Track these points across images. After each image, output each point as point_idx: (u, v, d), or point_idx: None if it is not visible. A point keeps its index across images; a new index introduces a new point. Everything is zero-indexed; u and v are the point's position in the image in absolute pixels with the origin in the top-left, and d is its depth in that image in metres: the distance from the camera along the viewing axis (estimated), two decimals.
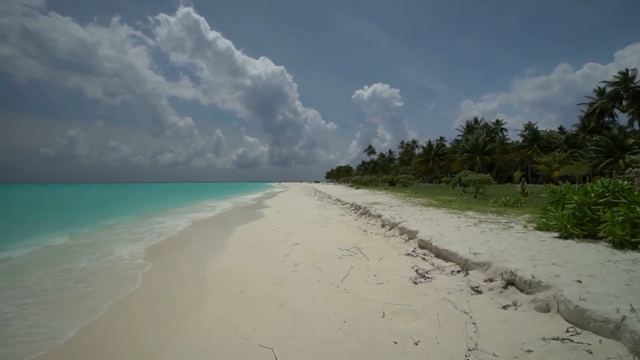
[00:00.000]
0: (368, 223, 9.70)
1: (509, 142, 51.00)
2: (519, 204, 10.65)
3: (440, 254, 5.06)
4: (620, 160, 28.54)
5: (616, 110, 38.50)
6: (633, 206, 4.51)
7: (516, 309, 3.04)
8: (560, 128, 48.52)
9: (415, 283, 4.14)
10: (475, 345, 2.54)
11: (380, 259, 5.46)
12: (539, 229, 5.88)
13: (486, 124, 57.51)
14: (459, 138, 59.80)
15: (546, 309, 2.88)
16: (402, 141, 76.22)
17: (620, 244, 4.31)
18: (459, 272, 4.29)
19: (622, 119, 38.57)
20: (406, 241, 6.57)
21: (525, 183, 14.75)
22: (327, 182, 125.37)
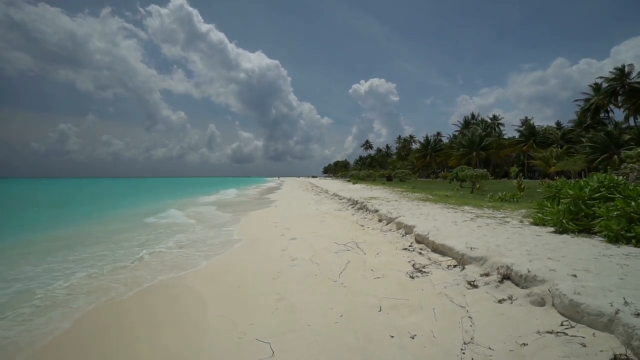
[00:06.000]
0: (365, 218, 9.73)
1: (506, 137, 51.18)
2: (515, 199, 10.72)
3: (437, 249, 5.08)
4: (616, 156, 28.76)
5: (612, 107, 38.69)
6: (628, 201, 4.54)
7: (512, 303, 3.07)
8: (557, 123, 48.71)
9: (412, 277, 4.16)
10: (471, 339, 2.56)
11: (377, 254, 5.48)
12: (535, 223, 5.92)
13: (483, 120, 57.61)
14: (456, 133, 59.91)
15: (541, 303, 2.90)
16: (400, 136, 76.21)
17: (615, 239, 4.36)
18: (455, 266, 4.32)
19: (619, 114, 38.80)
20: (403, 236, 6.60)
21: (522, 178, 14.84)
22: (325, 177, 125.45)
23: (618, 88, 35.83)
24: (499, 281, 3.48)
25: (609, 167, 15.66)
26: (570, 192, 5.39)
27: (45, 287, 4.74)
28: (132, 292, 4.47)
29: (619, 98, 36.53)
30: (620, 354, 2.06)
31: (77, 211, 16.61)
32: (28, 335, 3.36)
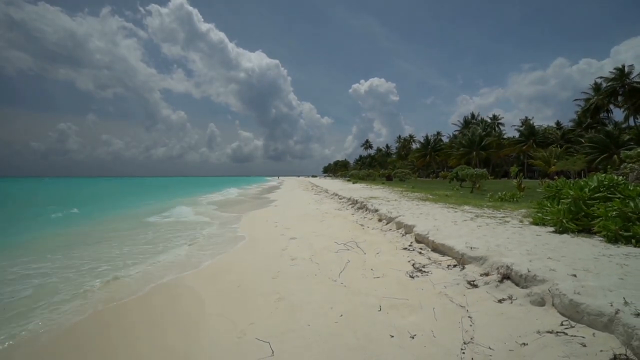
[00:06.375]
0: (365, 217, 9.73)
1: (506, 137, 51.20)
2: (515, 199, 10.72)
3: (437, 248, 5.08)
4: (615, 156, 28.78)
5: (612, 106, 38.69)
6: (627, 201, 4.54)
7: (512, 302, 3.07)
8: (557, 123, 48.72)
9: (412, 277, 4.16)
10: (471, 338, 2.56)
11: (377, 253, 5.48)
12: (535, 223, 5.92)
13: (483, 120, 57.63)
14: (456, 133, 59.94)
15: (541, 303, 2.90)
16: (400, 136, 76.25)
17: (614, 239, 4.36)
18: (455, 266, 4.32)
19: (618, 114, 38.79)
20: (403, 235, 6.60)
21: (522, 178, 14.85)
22: (325, 176, 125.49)
23: (618, 88, 35.81)
24: (499, 281, 3.48)
25: (609, 167, 15.67)
26: (571, 192, 5.39)
27: (62, 283, 4.91)
28: (141, 292, 4.48)
29: (619, 98, 36.52)
30: (620, 354, 2.06)
31: (82, 210, 16.52)
32: (60, 321, 3.64)
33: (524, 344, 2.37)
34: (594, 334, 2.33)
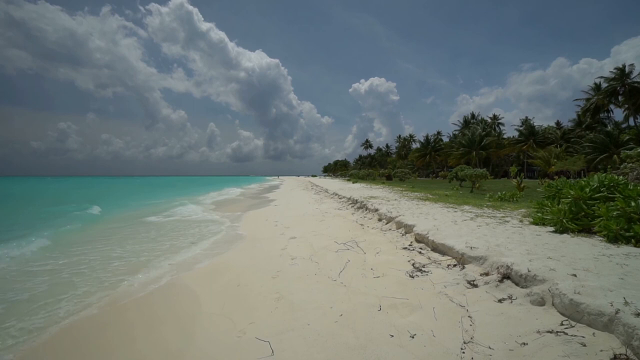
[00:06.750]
0: (365, 217, 9.72)
1: (506, 137, 51.22)
2: (515, 199, 10.73)
3: (437, 248, 5.08)
4: (615, 156, 28.77)
5: (612, 106, 38.68)
6: (628, 200, 4.54)
7: (512, 302, 3.07)
8: (557, 123, 48.74)
9: (412, 277, 4.16)
10: (471, 338, 2.56)
11: (377, 253, 5.48)
12: (535, 223, 5.92)
13: (483, 119, 57.66)
14: (456, 133, 59.96)
15: (541, 303, 2.90)
16: (399, 135, 76.27)
17: (614, 238, 4.35)
18: (455, 266, 4.32)
19: (618, 114, 38.76)
20: (403, 235, 6.59)
21: (522, 178, 14.85)
22: (324, 176, 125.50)
23: (618, 88, 35.76)
24: (499, 280, 3.48)
25: (609, 167, 15.68)
26: (571, 192, 5.38)
27: (77, 278, 5.13)
28: (142, 292, 4.49)
29: (619, 98, 36.48)
30: (620, 354, 2.06)
31: (104, 208, 16.45)
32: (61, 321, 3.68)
33: (524, 343, 2.37)
34: (594, 333, 2.32)
